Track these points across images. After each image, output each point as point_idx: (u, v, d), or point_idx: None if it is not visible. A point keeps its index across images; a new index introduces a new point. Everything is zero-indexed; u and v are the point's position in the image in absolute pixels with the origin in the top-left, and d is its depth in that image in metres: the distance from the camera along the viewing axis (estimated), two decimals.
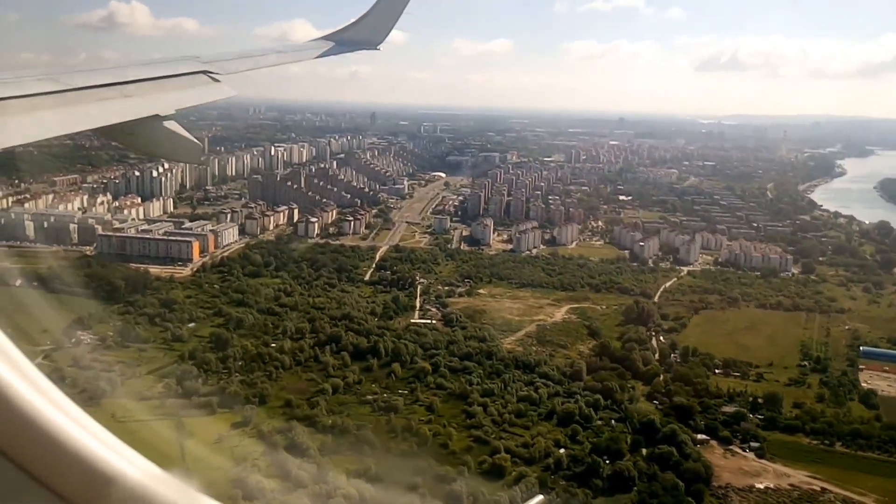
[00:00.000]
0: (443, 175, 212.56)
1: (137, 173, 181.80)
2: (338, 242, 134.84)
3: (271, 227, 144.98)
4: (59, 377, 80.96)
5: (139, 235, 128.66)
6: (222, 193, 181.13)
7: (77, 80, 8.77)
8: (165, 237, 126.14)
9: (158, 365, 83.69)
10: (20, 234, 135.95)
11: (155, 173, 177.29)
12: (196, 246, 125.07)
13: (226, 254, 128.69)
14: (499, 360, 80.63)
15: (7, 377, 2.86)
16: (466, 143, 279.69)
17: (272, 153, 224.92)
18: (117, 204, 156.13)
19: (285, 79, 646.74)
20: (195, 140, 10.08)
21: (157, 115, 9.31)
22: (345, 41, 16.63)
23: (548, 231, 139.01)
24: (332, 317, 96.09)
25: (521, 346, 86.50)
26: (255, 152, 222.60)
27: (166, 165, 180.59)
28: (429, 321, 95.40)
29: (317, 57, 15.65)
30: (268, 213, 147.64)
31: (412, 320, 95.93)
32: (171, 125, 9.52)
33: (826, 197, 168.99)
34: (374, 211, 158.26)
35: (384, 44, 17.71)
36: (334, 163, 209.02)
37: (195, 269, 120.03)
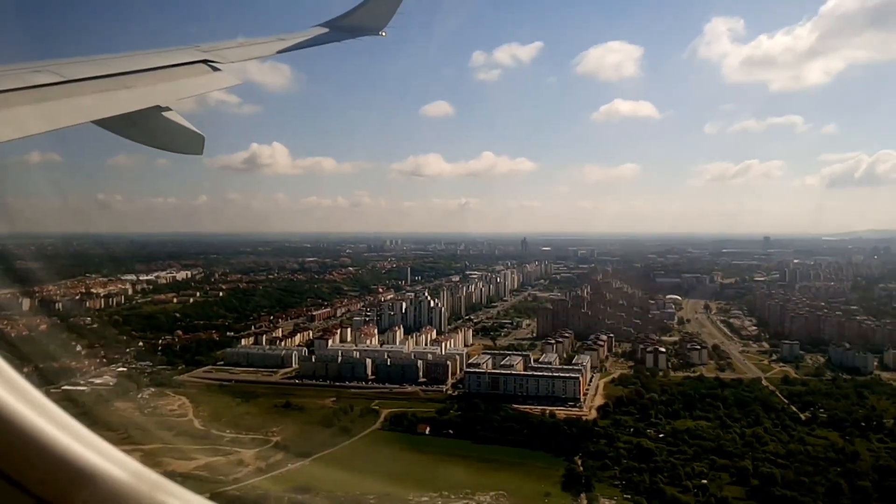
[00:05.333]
0: (678, 297, 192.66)
1: (405, 305, 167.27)
2: (712, 375, 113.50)
3: (604, 358, 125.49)
4: None
5: (510, 372, 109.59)
6: (496, 323, 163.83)
7: (78, 71, 7.88)
8: (549, 374, 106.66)
9: None
10: (359, 372, 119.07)
11: (432, 304, 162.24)
12: (582, 383, 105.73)
13: (601, 390, 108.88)
14: None
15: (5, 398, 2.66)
16: (651, 266, 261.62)
17: (498, 280, 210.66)
18: (429, 337, 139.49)
19: (400, 213, 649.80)
20: (196, 131, 8.74)
21: (157, 106, 8.38)
22: (346, 27, 15.04)
23: None
24: (874, 469, 74.59)
25: None
26: (479, 281, 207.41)
27: (433, 302, 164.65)
28: None
29: (319, 44, 14.09)
30: (599, 342, 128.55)
31: None
32: (173, 115, 8.57)
33: None
34: (686, 337, 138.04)
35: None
36: (589, 288, 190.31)
37: (595, 409, 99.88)
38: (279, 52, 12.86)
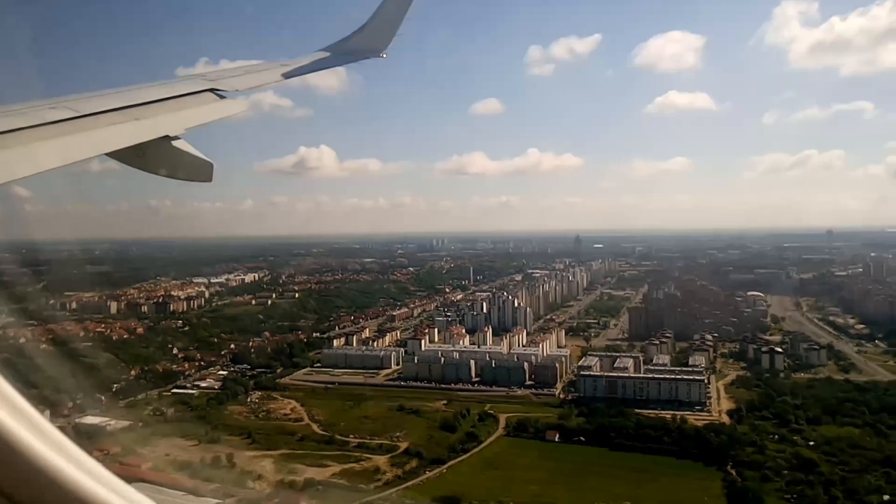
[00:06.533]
0: (760, 294, 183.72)
1: (485, 305, 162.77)
2: (840, 378, 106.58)
3: (712, 359, 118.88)
4: None
5: (629, 375, 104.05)
6: (581, 322, 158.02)
7: (89, 105, 8.12)
8: (672, 377, 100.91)
9: None
10: (463, 374, 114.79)
11: (519, 304, 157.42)
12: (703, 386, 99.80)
13: (722, 393, 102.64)
14: None
15: (14, 428, 2.73)
16: (717, 262, 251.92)
17: (570, 279, 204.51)
18: (521, 338, 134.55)
19: (439, 213, 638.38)
20: (206, 159, 8.77)
21: (166, 136, 8.50)
22: (348, 51, 14.92)
23: None
24: None
25: None
26: (552, 280, 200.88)
27: (517, 302, 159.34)
28: None
29: (321, 69, 14.00)
30: (707, 343, 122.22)
31: None
32: (181, 144, 8.61)
33: None
34: (796, 336, 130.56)
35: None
36: (673, 286, 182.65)
37: (726, 413, 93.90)
38: (283, 76, 12.66)
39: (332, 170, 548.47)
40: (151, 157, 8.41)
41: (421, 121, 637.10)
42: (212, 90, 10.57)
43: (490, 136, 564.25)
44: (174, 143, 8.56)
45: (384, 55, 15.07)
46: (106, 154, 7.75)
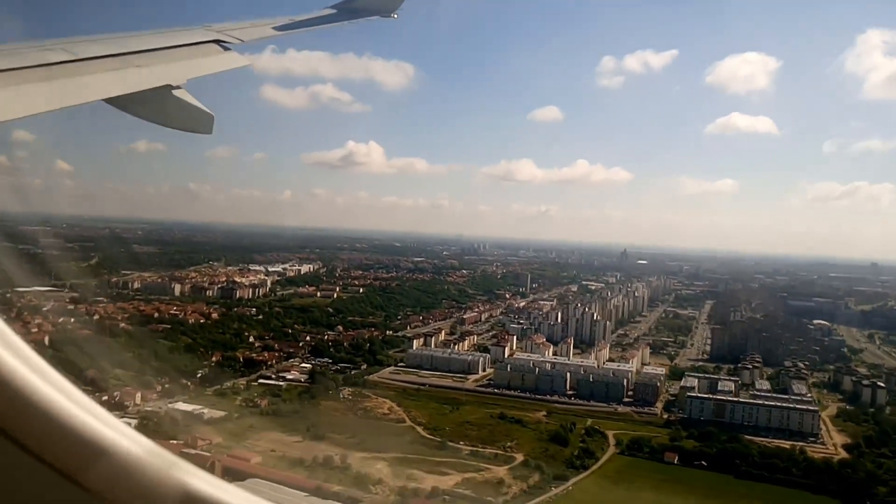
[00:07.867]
0: (825, 323, 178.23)
1: (559, 315, 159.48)
2: None
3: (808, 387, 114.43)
4: None
5: (739, 400, 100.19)
6: (656, 340, 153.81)
7: (89, 50, 7.64)
8: (786, 405, 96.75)
9: None
10: (558, 386, 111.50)
11: (597, 316, 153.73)
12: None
13: (830, 425, 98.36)
14: None
15: (3, 356, 2.77)
16: (770, 287, 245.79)
17: (636, 294, 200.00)
18: (606, 352, 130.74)
19: (477, 217, 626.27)
20: (206, 110, 8.35)
21: (167, 85, 8.15)
22: (357, 9, 14.30)
23: None
24: None
25: None
26: (619, 294, 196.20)
27: (596, 315, 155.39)
28: None
29: (326, 24, 13.60)
30: (803, 371, 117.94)
31: None
32: (182, 94, 8.25)
33: None
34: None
35: None
36: (745, 308, 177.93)
37: (842, 447, 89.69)
38: (284, 28, 12.30)
39: (379, 166, 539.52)
40: (151, 105, 8.06)
41: (478, 123, 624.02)
42: (217, 42, 10.17)
43: (543, 144, 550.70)
44: (176, 92, 8.21)
45: (394, 15, 14.65)
46: (104, 100, 7.35)
